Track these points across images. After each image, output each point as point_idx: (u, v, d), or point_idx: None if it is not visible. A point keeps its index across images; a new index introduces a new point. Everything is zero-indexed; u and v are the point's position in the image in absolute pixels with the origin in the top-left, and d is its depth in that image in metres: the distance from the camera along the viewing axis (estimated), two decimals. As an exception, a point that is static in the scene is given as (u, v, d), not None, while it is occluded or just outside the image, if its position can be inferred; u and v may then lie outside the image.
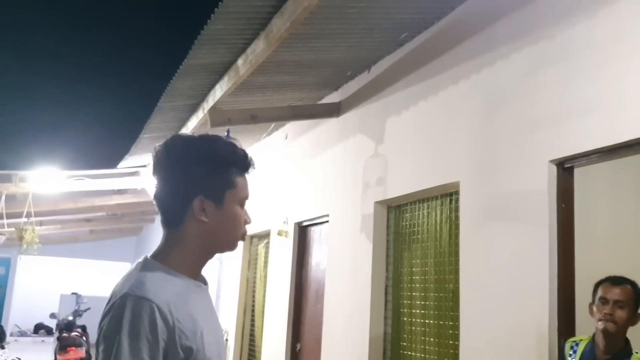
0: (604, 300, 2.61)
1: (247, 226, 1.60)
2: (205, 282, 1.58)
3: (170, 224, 1.51)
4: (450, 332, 3.81)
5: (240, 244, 1.66)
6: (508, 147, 3.37)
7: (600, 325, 2.58)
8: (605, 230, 3.86)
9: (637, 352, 2.58)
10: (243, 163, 1.55)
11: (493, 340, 3.30)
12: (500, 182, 3.40)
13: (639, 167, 3.91)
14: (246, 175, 1.58)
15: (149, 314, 1.32)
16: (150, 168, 1.54)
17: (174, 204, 1.50)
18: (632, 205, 4.04)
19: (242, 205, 1.56)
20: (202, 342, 1.41)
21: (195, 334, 1.40)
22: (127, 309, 1.32)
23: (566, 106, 3.00)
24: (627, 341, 2.62)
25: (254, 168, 1.58)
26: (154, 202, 1.53)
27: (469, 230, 3.61)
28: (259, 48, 3.99)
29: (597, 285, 2.71)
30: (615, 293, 2.60)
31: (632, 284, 2.65)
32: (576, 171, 3.12)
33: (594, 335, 2.68)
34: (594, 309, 2.64)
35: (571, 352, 2.73)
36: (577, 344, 2.73)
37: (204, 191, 1.48)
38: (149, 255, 1.51)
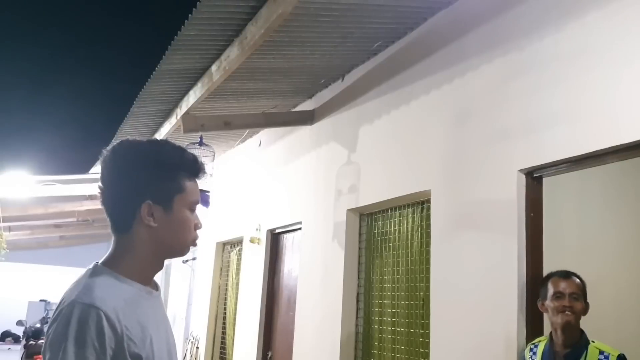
0: (560, 294, 2.74)
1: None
2: (157, 288, 1.56)
3: (119, 229, 1.49)
4: (421, 340, 3.83)
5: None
6: (478, 156, 3.41)
7: (561, 318, 2.70)
8: (572, 239, 3.94)
9: (593, 341, 2.70)
10: (192, 167, 1.54)
11: (463, 348, 3.33)
12: (471, 191, 3.44)
13: (605, 178, 4.02)
14: (196, 179, 1.56)
15: (96, 322, 1.30)
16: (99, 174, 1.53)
17: (121, 210, 1.49)
18: (599, 215, 4.13)
19: (192, 209, 1.54)
20: (152, 349, 1.40)
21: (144, 341, 1.38)
22: (73, 316, 1.30)
23: (535, 116, 3.05)
24: (582, 332, 2.74)
25: (203, 172, 1.57)
26: (103, 208, 1.51)
27: (439, 239, 3.64)
28: (232, 54, 3.99)
29: (545, 280, 2.84)
30: (569, 286, 2.74)
31: (578, 276, 2.81)
32: (545, 180, 3.17)
33: (550, 333, 2.78)
34: (550, 304, 2.75)
35: (531, 354, 2.81)
36: (536, 346, 2.83)
37: (151, 196, 1.47)
38: (99, 261, 1.49)
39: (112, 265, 1.47)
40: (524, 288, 3.02)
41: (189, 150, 1.57)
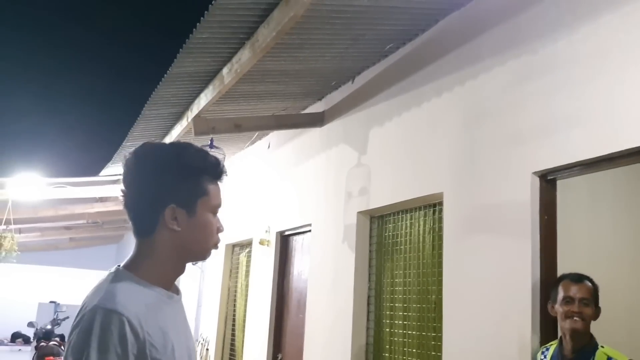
0: (569, 299, 2.71)
1: (223, 234, 1.58)
2: (177, 292, 1.55)
3: (142, 233, 1.49)
4: (433, 343, 3.81)
5: (216, 252, 1.64)
6: (491, 158, 3.40)
7: (569, 324, 2.68)
8: (583, 242, 3.91)
9: (602, 347, 2.66)
10: (215, 170, 1.53)
11: (476, 351, 3.31)
12: (484, 194, 3.42)
13: (616, 180, 3.99)
14: (218, 182, 1.56)
15: (119, 328, 1.30)
16: (121, 177, 1.53)
17: (145, 213, 1.48)
18: (609, 217, 4.10)
19: (214, 213, 1.54)
20: (174, 355, 1.39)
21: (166, 347, 1.37)
22: (96, 322, 1.30)
23: (549, 119, 3.04)
24: (591, 336, 2.71)
25: (226, 175, 1.56)
26: (125, 212, 1.50)
27: (452, 241, 3.62)
28: (244, 57, 3.99)
29: (556, 283, 2.81)
30: (579, 291, 2.70)
31: (590, 279, 2.77)
32: (558, 183, 3.15)
33: (560, 337, 2.76)
34: (559, 309, 2.72)
35: (542, 357, 2.80)
36: (547, 349, 2.82)
37: (175, 199, 1.46)
38: (120, 265, 1.48)
39: (134, 269, 1.46)
40: (538, 291, 3.00)
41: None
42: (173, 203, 1.46)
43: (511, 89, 3.32)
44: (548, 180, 3.11)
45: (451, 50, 3.86)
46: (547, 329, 2.97)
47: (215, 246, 1.56)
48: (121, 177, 1.52)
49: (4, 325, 17.01)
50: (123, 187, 1.50)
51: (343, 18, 3.73)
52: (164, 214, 1.46)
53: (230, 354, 7.43)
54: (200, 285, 8.52)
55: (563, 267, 3.11)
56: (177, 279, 1.58)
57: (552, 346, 2.80)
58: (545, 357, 2.79)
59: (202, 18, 3.52)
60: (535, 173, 3.10)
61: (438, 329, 3.72)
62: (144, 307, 1.37)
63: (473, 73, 3.63)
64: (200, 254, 1.55)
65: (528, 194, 3.10)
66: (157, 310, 1.41)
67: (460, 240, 3.55)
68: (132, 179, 1.49)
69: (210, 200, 1.51)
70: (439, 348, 3.68)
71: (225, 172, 1.57)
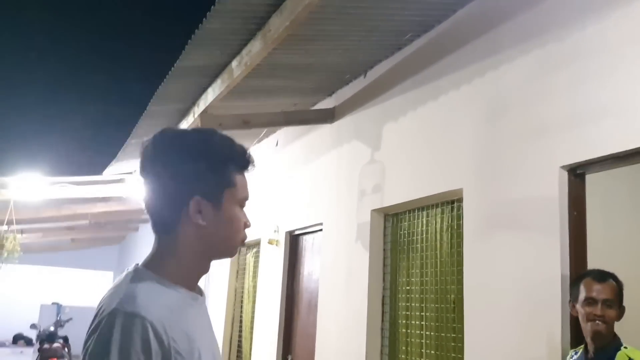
0: (592, 301, 2.54)
1: (245, 231, 1.45)
2: (201, 293, 1.41)
3: (163, 228, 1.34)
4: (452, 344, 3.67)
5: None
6: (515, 152, 3.25)
7: (590, 327, 2.53)
8: (598, 239, 3.75)
9: (625, 347, 2.52)
10: (242, 159, 1.39)
11: (501, 352, 3.16)
12: (507, 189, 3.28)
13: (633, 176, 3.83)
14: (245, 173, 1.41)
15: (141, 334, 1.16)
16: (138, 167, 1.37)
17: (167, 207, 1.33)
18: (626, 214, 3.95)
19: (241, 206, 1.40)
20: None
21: (192, 355, 1.23)
22: (116, 327, 1.16)
23: (578, 110, 2.90)
24: (614, 335, 2.56)
25: (253, 165, 1.41)
26: (144, 205, 1.36)
27: (473, 239, 3.48)
28: (255, 49, 3.85)
29: (578, 281, 2.65)
30: (603, 292, 2.53)
31: (614, 277, 2.60)
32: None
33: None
34: (581, 310, 2.57)
35: None
36: (576, 352, 2.67)
37: (201, 191, 1.32)
38: (139, 263, 1.33)
39: (155, 268, 1.31)
40: (568, 290, 2.85)
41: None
42: (198, 195, 1.32)
43: (536, 79, 3.18)
44: (577, 175, 2.98)
45: (470, 41, 3.72)
46: (578, 329, 2.82)
47: (242, 243, 1.42)
48: (139, 167, 1.37)
49: (5, 327, 16.91)
50: (141, 177, 1.36)
51: (359, 8, 3.60)
52: (188, 206, 1.31)
53: (237, 356, 7.30)
54: (205, 286, 8.40)
55: (595, 265, 2.96)
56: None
57: (580, 348, 2.67)
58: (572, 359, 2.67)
59: (212, 7, 3.38)
60: (563, 167, 2.96)
61: (458, 330, 3.58)
62: (168, 310, 1.23)
63: (494, 63, 3.49)
64: (227, 251, 1.40)
65: (556, 189, 2.96)
66: (181, 314, 1.26)
67: (483, 238, 3.41)
68: (152, 168, 1.34)
69: (237, 192, 1.37)
70: (459, 349, 3.54)
71: (253, 162, 1.42)
